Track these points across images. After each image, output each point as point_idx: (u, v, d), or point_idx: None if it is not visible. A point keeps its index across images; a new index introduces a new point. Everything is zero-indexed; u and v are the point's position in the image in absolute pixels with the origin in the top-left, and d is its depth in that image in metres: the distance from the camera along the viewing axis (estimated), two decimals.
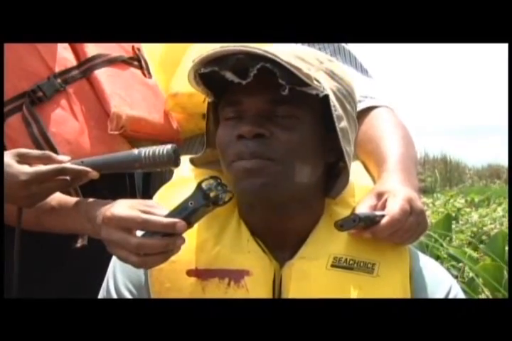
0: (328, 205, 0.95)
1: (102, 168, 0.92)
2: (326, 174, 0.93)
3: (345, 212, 0.93)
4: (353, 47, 1.23)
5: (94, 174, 0.91)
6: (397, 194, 0.92)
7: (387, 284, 0.89)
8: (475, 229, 4.09)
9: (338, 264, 0.90)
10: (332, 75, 0.90)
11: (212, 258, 0.90)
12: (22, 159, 0.91)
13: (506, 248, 2.94)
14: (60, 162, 0.91)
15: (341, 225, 0.89)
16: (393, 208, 0.89)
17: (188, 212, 0.84)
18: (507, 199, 5.78)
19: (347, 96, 0.91)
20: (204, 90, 0.93)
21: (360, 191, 0.97)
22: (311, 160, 0.89)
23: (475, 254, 3.08)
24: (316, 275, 0.89)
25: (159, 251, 0.84)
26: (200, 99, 1.04)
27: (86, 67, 1.11)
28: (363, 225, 0.89)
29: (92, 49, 1.12)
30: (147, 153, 0.89)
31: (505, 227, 4.25)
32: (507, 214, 4.81)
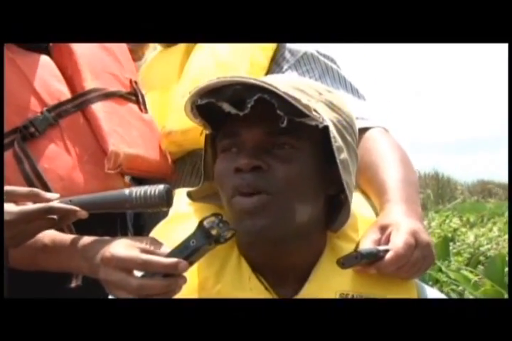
0: (329, 239, 0.92)
1: (90, 208, 0.89)
2: (327, 207, 0.91)
3: (347, 246, 0.91)
4: (342, 67, 1.21)
5: (83, 213, 0.88)
6: (401, 227, 0.90)
7: None
8: (472, 250, 4.07)
9: None
10: (331, 106, 0.89)
11: (214, 297, 0.87)
12: (8, 197, 0.88)
13: (506, 269, 2.93)
14: (48, 200, 0.88)
15: (343, 263, 0.87)
16: (397, 242, 0.87)
17: (190, 251, 0.82)
18: (503, 217, 5.80)
19: (347, 127, 0.89)
20: (201, 122, 0.91)
21: (362, 223, 0.95)
22: (311, 194, 0.87)
23: (473, 276, 3.05)
24: None
25: (161, 292, 0.81)
26: (194, 135, 1.03)
27: (81, 101, 1.09)
28: (366, 261, 0.87)
29: (89, 82, 1.10)
30: (138, 193, 0.87)
31: (501, 247, 4.24)
32: (502, 234, 4.82)
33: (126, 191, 0.88)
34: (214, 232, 0.82)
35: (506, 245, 4.24)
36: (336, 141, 0.86)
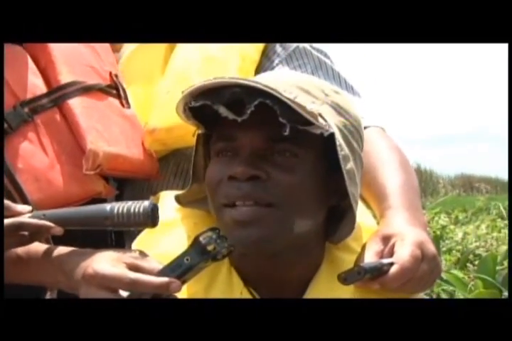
0: (328, 250, 0.87)
1: (66, 224, 0.82)
2: (328, 217, 0.85)
3: (348, 258, 0.86)
4: (336, 62, 1.16)
5: (58, 230, 0.81)
6: (406, 237, 0.84)
7: None
8: (460, 248, 4.10)
9: None
10: (338, 109, 0.82)
11: None
12: None
13: (497, 268, 2.92)
14: (20, 213, 0.82)
15: (345, 279, 0.82)
16: (403, 255, 0.82)
17: (183, 270, 0.75)
18: (491, 215, 5.85)
19: (354, 132, 0.83)
20: (194, 123, 0.85)
21: (363, 233, 0.89)
22: (313, 205, 0.81)
23: (462, 275, 3.05)
24: None
25: None
26: (180, 133, 0.97)
27: (58, 95, 1.01)
28: (369, 276, 0.81)
29: (65, 76, 1.02)
30: (121, 209, 0.79)
31: (489, 245, 4.26)
32: (490, 231, 4.85)
33: (108, 207, 0.80)
34: (211, 248, 0.75)
35: (495, 243, 4.25)
36: (342, 149, 0.79)
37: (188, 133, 0.88)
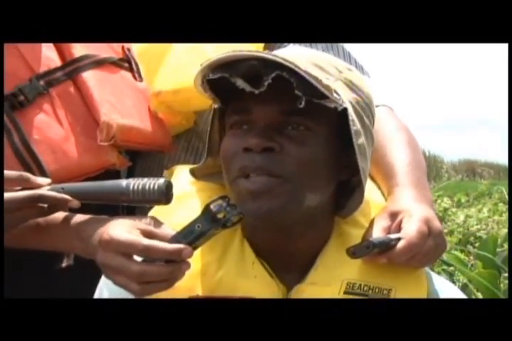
0: (337, 224, 0.89)
1: (83, 198, 0.83)
2: (337, 191, 0.86)
3: (355, 232, 0.87)
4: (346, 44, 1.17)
5: (75, 203, 0.82)
6: (413, 214, 0.86)
7: None
8: (461, 230, 4.14)
9: (351, 291, 0.84)
10: (351, 86, 0.83)
11: (215, 284, 0.84)
12: None
13: (497, 250, 2.95)
14: (39, 185, 0.83)
15: (354, 252, 0.83)
16: (410, 231, 0.83)
17: (195, 236, 0.77)
18: (493, 199, 5.88)
19: (365, 109, 0.84)
20: (211, 96, 0.85)
21: (371, 209, 0.91)
22: (324, 179, 0.83)
23: (463, 256, 3.10)
24: None
25: (163, 279, 0.76)
26: (186, 96, 0.97)
27: (72, 69, 1.03)
28: (377, 251, 0.83)
29: (79, 49, 1.04)
30: (136, 186, 0.81)
31: (490, 228, 4.30)
32: (491, 214, 4.89)
33: (124, 183, 0.82)
34: (221, 216, 0.77)
35: (496, 226, 4.29)
36: (354, 124, 0.81)
37: (194, 96, 0.89)
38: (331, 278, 0.84)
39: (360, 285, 0.84)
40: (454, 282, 2.78)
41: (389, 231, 0.85)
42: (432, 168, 10.49)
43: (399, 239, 0.83)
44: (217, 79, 0.79)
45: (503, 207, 5.27)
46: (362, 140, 0.81)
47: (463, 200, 5.73)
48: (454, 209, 4.76)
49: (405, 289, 0.85)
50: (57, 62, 1.02)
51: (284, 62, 0.75)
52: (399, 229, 0.85)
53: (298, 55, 0.82)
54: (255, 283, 0.83)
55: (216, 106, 0.87)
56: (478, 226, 4.24)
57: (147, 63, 1.15)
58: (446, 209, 4.57)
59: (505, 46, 0.96)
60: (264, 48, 1.11)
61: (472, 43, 0.99)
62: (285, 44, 1.11)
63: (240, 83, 0.77)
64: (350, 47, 1.20)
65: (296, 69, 0.75)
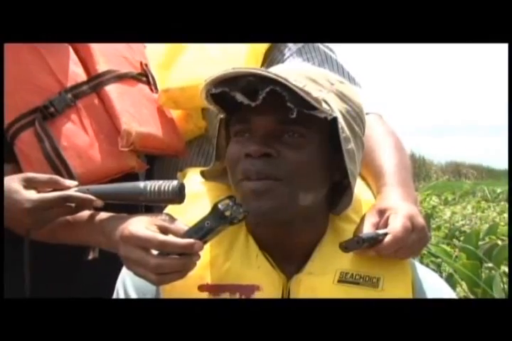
0: (332, 220, 0.97)
1: (106, 198, 0.93)
2: (331, 191, 0.95)
3: (348, 227, 0.96)
4: (340, 56, 1.25)
5: (99, 203, 0.93)
6: (399, 211, 0.94)
7: (391, 297, 0.91)
8: (448, 225, 4.24)
9: (344, 279, 0.92)
10: (342, 97, 0.92)
11: (223, 274, 0.92)
12: (29, 184, 0.92)
13: (479, 243, 3.09)
14: (67, 187, 0.93)
15: (346, 247, 0.91)
16: (395, 226, 0.91)
17: (205, 232, 0.86)
18: (476, 197, 6.03)
19: (355, 117, 0.93)
20: (216, 108, 0.94)
21: (362, 206, 0.99)
22: (317, 180, 0.91)
23: (449, 249, 3.20)
24: (323, 290, 0.91)
25: (177, 270, 0.86)
26: (192, 93, 1.03)
27: (96, 83, 1.13)
28: (367, 245, 0.91)
29: (102, 65, 1.14)
30: (152, 187, 0.90)
31: (473, 223, 4.42)
32: (475, 211, 5.00)
33: (141, 184, 0.91)
34: (228, 214, 0.86)
35: (479, 222, 4.41)
36: (344, 131, 0.89)
37: (198, 94, 0.94)
38: (327, 268, 0.92)
39: (352, 274, 0.92)
40: (440, 272, 2.87)
41: (377, 226, 0.93)
42: (422, 169, 10.69)
43: (386, 234, 0.90)
44: (220, 93, 0.88)
45: (485, 205, 5.44)
46: (351, 145, 0.90)
47: (449, 198, 5.86)
48: (441, 207, 4.87)
49: (392, 278, 0.93)
50: (83, 77, 1.13)
51: (277, 78, 0.84)
52: (386, 224, 0.92)
53: (293, 70, 0.91)
54: (259, 272, 0.92)
55: (222, 116, 0.96)
56: (463, 222, 4.33)
57: (159, 62, 1.22)
58: (434, 207, 4.68)
59: (504, 47, 0.98)
60: (269, 49, 1.18)
61: (472, 43, 0.99)
62: (288, 44, 1.20)
63: (239, 97, 0.85)
64: (345, 49, 1.24)
65: (288, 83, 0.83)
